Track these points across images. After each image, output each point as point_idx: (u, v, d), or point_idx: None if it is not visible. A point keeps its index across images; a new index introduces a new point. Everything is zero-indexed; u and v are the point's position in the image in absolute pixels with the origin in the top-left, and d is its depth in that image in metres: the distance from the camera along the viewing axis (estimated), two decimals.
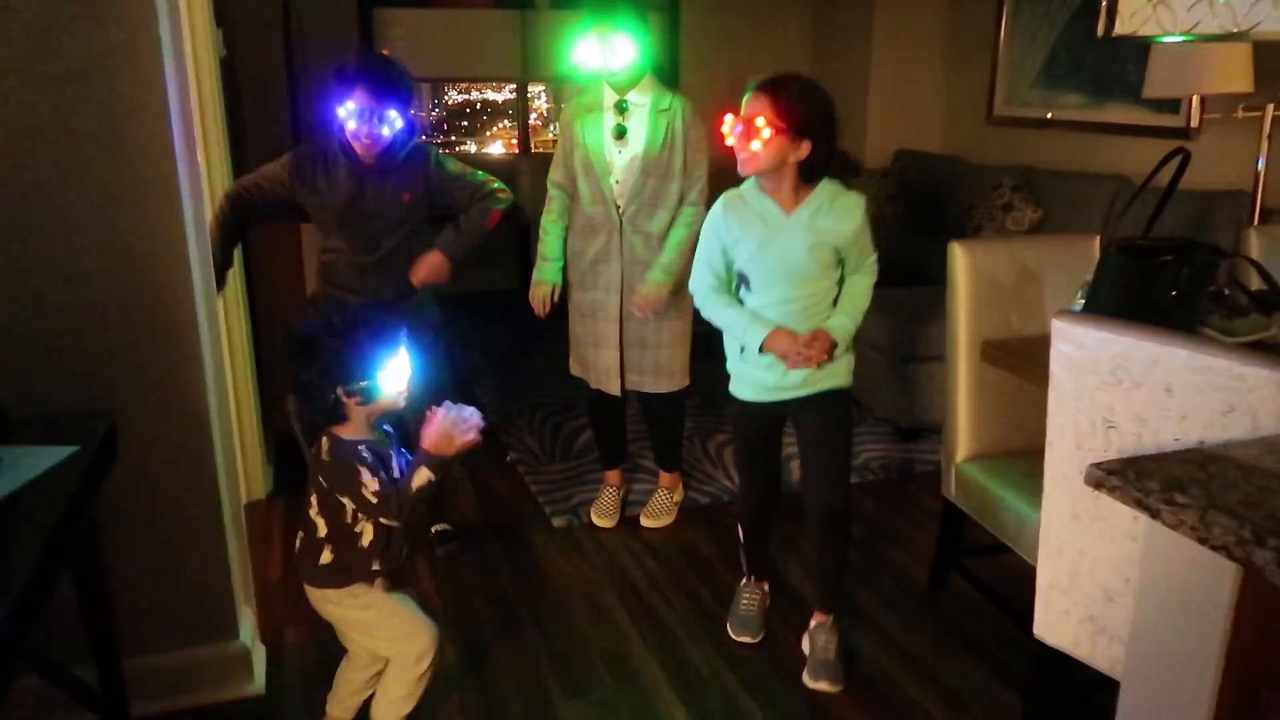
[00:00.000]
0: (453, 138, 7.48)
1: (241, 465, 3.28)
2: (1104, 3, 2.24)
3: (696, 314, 2.44)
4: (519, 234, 5.86)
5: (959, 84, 5.83)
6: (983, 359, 2.31)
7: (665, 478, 3.23)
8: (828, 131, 2.08)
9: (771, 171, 2.11)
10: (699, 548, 3.01)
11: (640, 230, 2.79)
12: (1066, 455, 1.68)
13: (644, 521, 3.14)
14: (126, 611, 2.09)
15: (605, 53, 2.67)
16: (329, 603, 1.93)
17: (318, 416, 1.81)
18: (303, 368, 1.75)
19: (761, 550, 2.58)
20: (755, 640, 2.47)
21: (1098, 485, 1.20)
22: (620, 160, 2.78)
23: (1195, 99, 3.99)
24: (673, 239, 2.78)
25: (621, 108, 2.76)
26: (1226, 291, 2.23)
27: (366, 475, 1.77)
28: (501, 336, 5.33)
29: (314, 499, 1.87)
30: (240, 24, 3.69)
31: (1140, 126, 4.41)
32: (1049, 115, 4.99)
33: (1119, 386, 1.56)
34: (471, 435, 1.79)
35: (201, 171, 2.64)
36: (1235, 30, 1.88)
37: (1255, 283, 2.03)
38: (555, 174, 2.90)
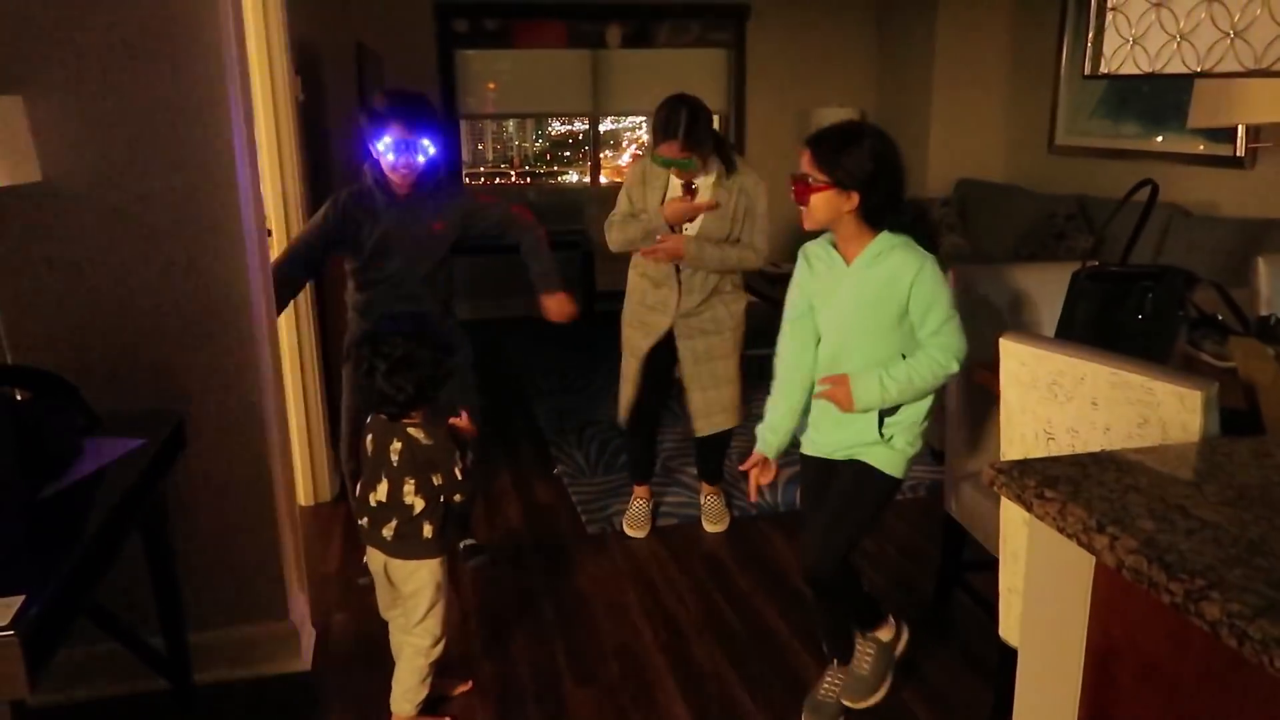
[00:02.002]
0: (554, 168, 7.82)
1: (311, 470, 3.60)
2: (1089, 43, 2.35)
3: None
4: (583, 261, 6.14)
5: (1021, 114, 5.87)
6: (975, 379, 2.43)
7: (711, 487, 3.44)
8: (879, 180, 1.99)
9: (831, 224, 2.08)
10: (720, 556, 3.17)
11: (698, 285, 3.06)
12: None
13: (707, 527, 3.37)
14: (191, 589, 2.37)
15: (679, 154, 2.87)
16: (428, 565, 2.20)
17: (391, 409, 2.14)
18: (404, 373, 2.11)
19: (841, 626, 2.38)
20: None
21: (991, 482, 1.35)
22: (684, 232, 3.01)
23: (1241, 129, 3.98)
24: (731, 253, 3.01)
25: (688, 189, 3.01)
26: (1220, 317, 2.31)
27: (458, 456, 2.13)
28: (562, 359, 5.59)
29: (410, 484, 2.14)
30: (316, 71, 4.05)
31: (1194, 156, 4.41)
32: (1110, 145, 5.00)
33: (1055, 400, 1.69)
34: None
35: (264, 199, 2.97)
36: (1198, 69, 1.98)
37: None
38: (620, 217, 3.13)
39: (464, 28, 6.19)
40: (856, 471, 2.18)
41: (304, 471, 3.57)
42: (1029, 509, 1.26)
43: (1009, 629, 1.96)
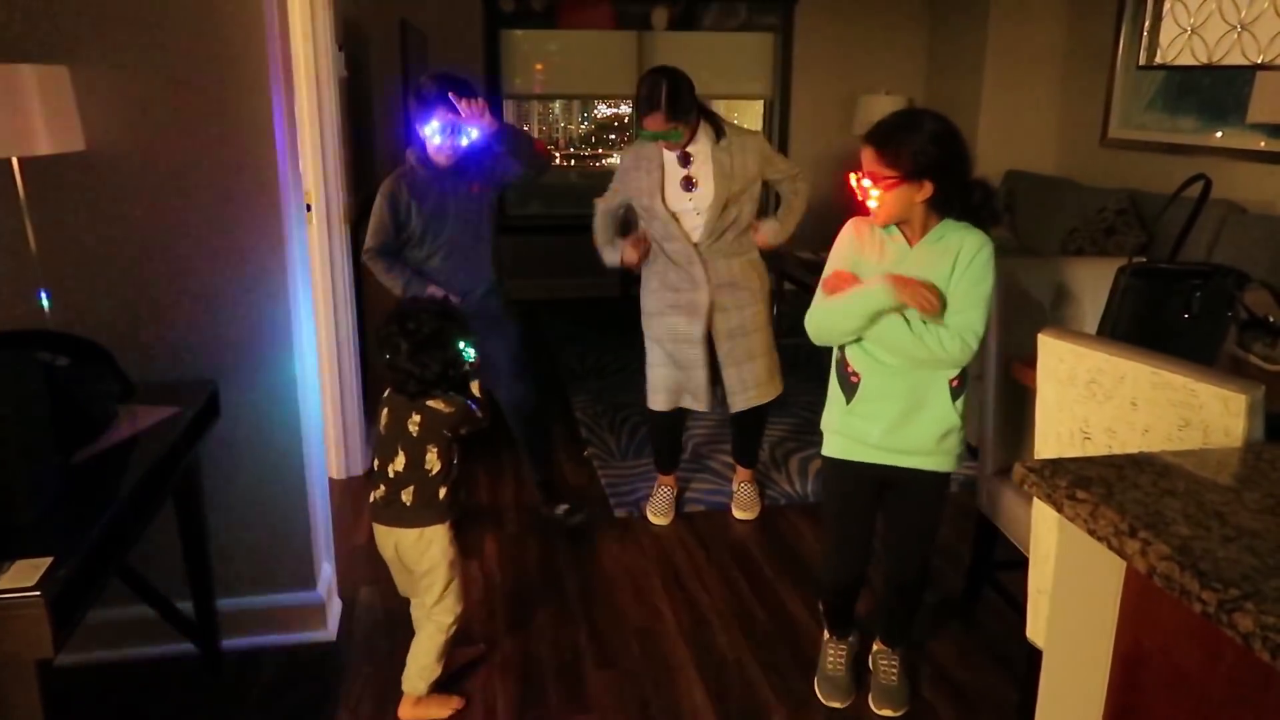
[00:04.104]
0: (599, 150, 7.83)
1: (344, 444, 3.64)
2: (1145, 33, 2.28)
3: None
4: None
5: (1074, 105, 5.73)
6: (1013, 374, 2.38)
7: (743, 473, 3.41)
8: (949, 164, 1.92)
9: (902, 216, 2.00)
10: (747, 544, 3.15)
11: (722, 254, 3.02)
12: None
13: (736, 514, 3.35)
14: (221, 555, 2.41)
15: (664, 127, 2.87)
16: (442, 539, 2.21)
17: (430, 387, 2.16)
18: (431, 352, 2.13)
19: (845, 612, 2.40)
20: (846, 705, 2.34)
21: (1021, 481, 1.31)
22: (689, 206, 2.99)
23: None
24: (787, 205, 3.08)
25: (684, 162, 2.98)
26: (1271, 319, 2.24)
27: (475, 407, 2.19)
28: (598, 342, 5.58)
29: (433, 450, 2.16)
30: (361, 49, 4.07)
31: (1254, 152, 4.27)
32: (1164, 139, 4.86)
33: (1093, 399, 1.64)
34: None
35: (305, 175, 2.99)
36: (1259, 61, 1.91)
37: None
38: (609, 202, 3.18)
39: (510, 7, 6.17)
40: (933, 485, 2.16)
41: (336, 445, 3.61)
42: (1059, 510, 1.23)
43: (1037, 630, 1.92)
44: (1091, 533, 1.17)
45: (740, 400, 3.14)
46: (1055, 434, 1.74)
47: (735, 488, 3.41)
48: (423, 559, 2.21)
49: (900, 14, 6.51)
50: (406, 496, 2.18)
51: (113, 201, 2.19)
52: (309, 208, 3.36)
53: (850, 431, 2.15)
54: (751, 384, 3.12)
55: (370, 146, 4.44)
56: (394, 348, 2.14)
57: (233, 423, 2.35)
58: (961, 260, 1.95)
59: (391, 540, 2.22)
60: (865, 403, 2.11)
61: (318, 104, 3.26)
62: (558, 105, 7.81)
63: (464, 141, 2.80)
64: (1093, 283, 2.45)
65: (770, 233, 3.07)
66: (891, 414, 2.09)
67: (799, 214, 3.09)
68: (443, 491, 2.19)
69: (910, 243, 2.03)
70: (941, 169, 1.92)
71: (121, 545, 1.72)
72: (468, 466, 3.59)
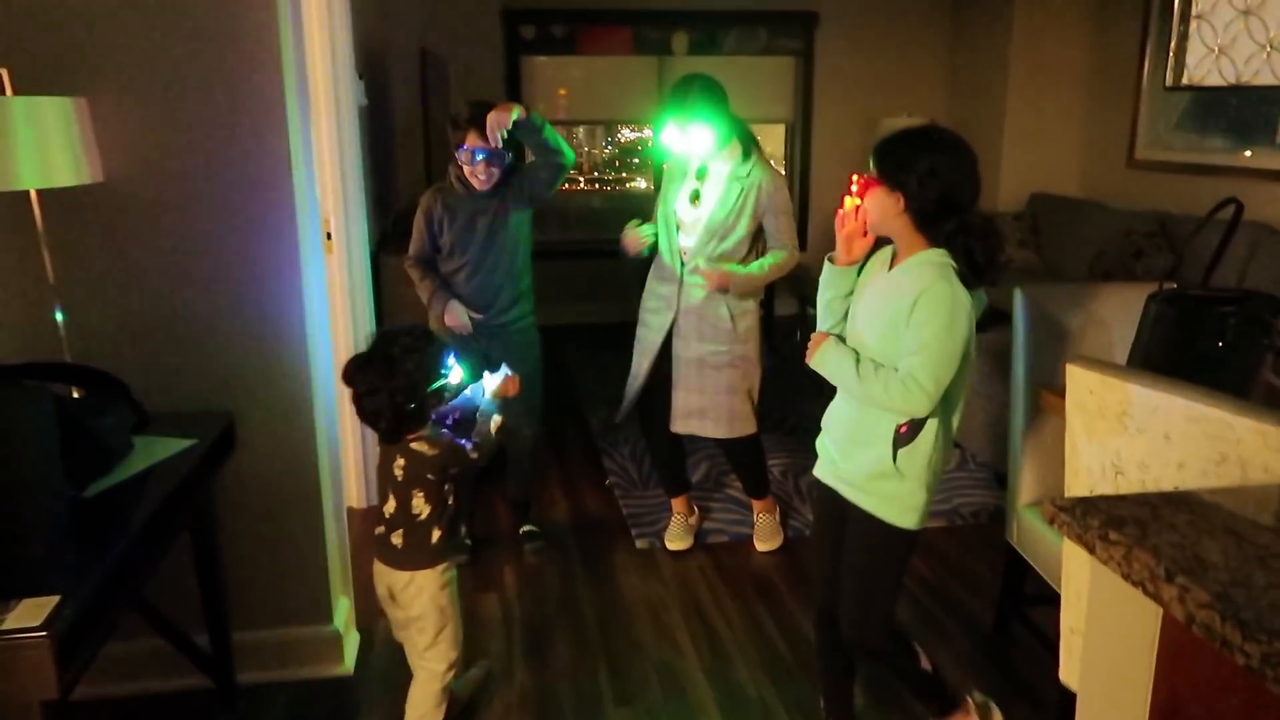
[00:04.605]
0: (623, 174, 7.84)
1: (365, 473, 3.62)
2: (1171, 53, 2.23)
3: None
4: (641, 267, 6.09)
5: (1099, 126, 5.67)
6: (1042, 405, 2.32)
7: (758, 504, 3.35)
8: (931, 180, 1.81)
9: (885, 229, 1.92)
10: (770, 576, 3.09)
11: (699, 283, 2.98)
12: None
13: (758, 546, 3.29)
14: (237, 589, 2.39)
15: (685, 140, 2.90)
16: (432, 585, 2.11)
17: (406, 424, 2.04)
18: (391, 383, 1.99)
19: (843, 685, 2.22)
20: None
21: (1051, 520, 1.26)
22: (689, 219, 3.00)
23: None
24: (758, 260, 2.98)
25: (700, 174, 2.99)
26: None
27: (463, 443, 2.08)
28: (621, 368, 5.54)
29: (419, 495, 2.07)
30: (382, 77, 4.09)
31: None
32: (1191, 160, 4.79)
33: (1124, 432, 1.59)
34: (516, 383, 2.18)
35: (325, 203, 3.00)
36: None
37: None
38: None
39: (531, 34, 6.21)
40: (871, 531, 1.97)
41: (357, 474, 3.59)
42: (1092, 551, 1.18)
43: (1070, 672, 1.85)
44: (1126, 577, 1.12)
45: (680, 424, 3.11)
46: (1085, 468, 1.68)
47: (755, 518, 3.36)
48: (413, 604, 2.12)
49: (921, 35, 6.48)
50: (396, 539, 2.11)
51: (130, 232, 2.20)
52: (329, 235, 3.37)
53: (821, 447, 2.11)
54: (695, 412, 3.07)
55: (391, 174, 4.46)
56: (349, 381, 2.02)
57: (249, 454, 2.34)
58: (920, 300, 1.82)
59: (385, 580, 2.16)
60: (830, 417, 2.08)
61: (337, 132, 3.27)
62: (581, 130, 7.82)
63: (496, 170, 2.86)
64: (1122, 309, 2.39)
65: (725, 276, 2.89)
66: (840, 436, 2.04)
67: (764, 277, 2.94)
68: (435, 534, 2.10)
69: (890, 266, 1.96)
70: (921, 184, 1.81)
71: (133, 581, 1.70)
72: (484, 494, 3.56)
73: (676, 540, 3.28)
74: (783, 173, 5.93)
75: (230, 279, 2.27)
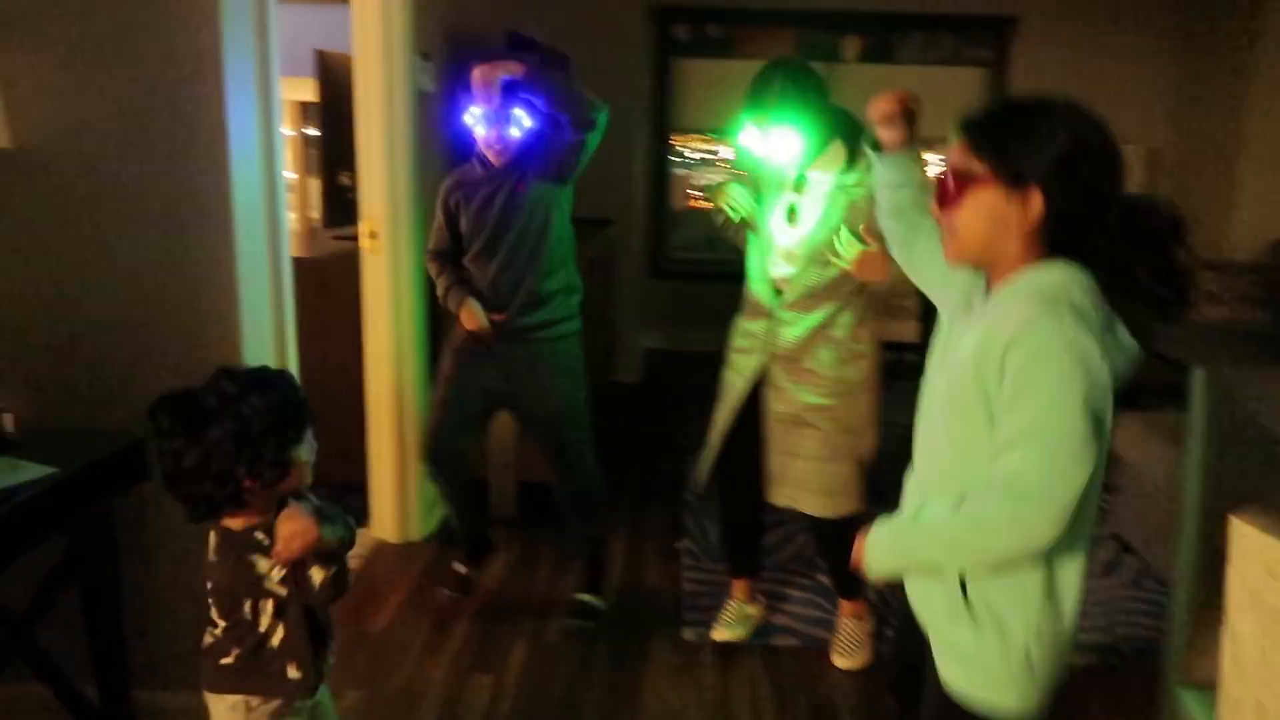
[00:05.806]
0: None
1: (400, 504, 3.21)
2: None
3: None
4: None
5: None
6: (1220, 548, 1.54)
7: (846, 606, 2.66)
8: (1076, 169, 1.19)
9: (989, 254, 1.26)
10: (837, 704, 2.39)
11: (798, 324, 2.35)
12: None
13: (835, 660, 2.60)
14: (140, 640, 1.99)
15: (766, 144, 2.30)
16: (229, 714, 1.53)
17: (203, 508, 1.45)
18: (188, 448, 1.40)
19: None
20: None
21: None
22: (785, 242, 2.38)
23: None
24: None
25: (798, 185, 2.38)
26: None
27: (264, 563, 1.44)
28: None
29: (210, 600, 1.51)
30: (461, 62, 3.68)
31: None
32: None
33: None
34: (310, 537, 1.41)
35: (374, 198, 2.63)
36: None
37: None
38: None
39: (684, 34, 5.71)
40: (943, 704, 1.30)
41: (394, 506, 3.19)
42: None
43: None
44: None
45: (777, 494, 2.47)
46: (1252, 670, 0.95)
47: (839, 623, 2.66)
48: None
49: (1141, 47, 5.48)
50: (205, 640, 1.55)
51: (38, 206, 1.86)
52: (373, 234, 2.99)
53: None
54: (794, 482, 2.42)
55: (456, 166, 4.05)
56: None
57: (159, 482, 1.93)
58: (1011, 350, 1.15)
59: None
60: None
61: (388, 119, 2.88)
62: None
63: (514, 132, 2.43)
64: None
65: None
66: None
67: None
68: (230, 655, 1.50)
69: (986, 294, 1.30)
70: (1064, 175, 1.18)
71: None
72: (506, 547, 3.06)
73: (725, 629, 2.65)
74: None
75: (155, 281, 1.91)
